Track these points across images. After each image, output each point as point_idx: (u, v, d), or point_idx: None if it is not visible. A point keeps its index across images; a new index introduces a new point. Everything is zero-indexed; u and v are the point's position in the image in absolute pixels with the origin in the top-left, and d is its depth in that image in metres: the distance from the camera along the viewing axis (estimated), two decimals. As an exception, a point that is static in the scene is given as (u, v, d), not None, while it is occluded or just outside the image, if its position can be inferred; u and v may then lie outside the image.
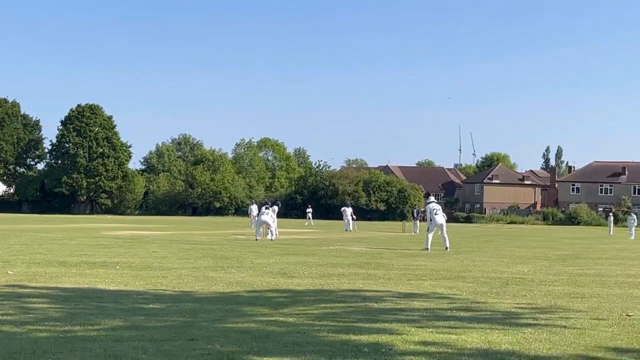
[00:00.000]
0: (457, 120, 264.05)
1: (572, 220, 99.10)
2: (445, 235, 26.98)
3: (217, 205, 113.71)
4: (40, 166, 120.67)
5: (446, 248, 26.31)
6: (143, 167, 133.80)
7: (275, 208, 35.27)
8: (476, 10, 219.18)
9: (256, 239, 31.34)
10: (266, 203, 34.39)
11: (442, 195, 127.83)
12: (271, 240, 31.23)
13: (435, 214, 27.11)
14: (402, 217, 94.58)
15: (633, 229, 49.82)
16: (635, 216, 52.85)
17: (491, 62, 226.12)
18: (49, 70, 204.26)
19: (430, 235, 26.78)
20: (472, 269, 18.37)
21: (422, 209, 78.37)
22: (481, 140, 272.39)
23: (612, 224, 61.60)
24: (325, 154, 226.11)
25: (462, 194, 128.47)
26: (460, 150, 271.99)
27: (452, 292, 12.90)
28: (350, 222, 51.06)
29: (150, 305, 10.58)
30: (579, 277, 16.42)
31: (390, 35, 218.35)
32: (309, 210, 72.00)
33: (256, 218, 38.68)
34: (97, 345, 7.49)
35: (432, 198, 29.12)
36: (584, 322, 9.66)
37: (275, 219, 34.54)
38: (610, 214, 71.93)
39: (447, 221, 28.27)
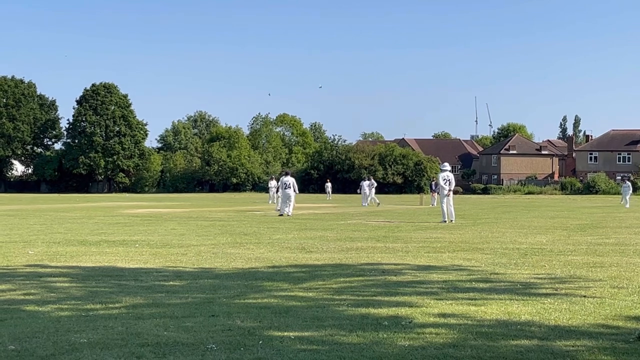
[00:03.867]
0: (473, 91, 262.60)
1: (590, 189, 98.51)
2: (451, 208, 26.62)
3: (234, 181, 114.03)
4: (58, 146, 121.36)
5: (451, 220, 26.06)
6: (159, 145, 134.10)
7: (292, 179, 33.40)
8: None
9: (281, 214, 31.23)
10: (286, 174, 33.84)
11: (459, 167, 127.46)
12: (288, 215, 31.07)
13: (444, 184, 26.78)
14: (419, 190, 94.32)
15: (628, 196, 49.25)
16: (629, 184, 52.21)
17: (506, 35, 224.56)
18: (64, 50, 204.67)
19: (444, 207, 26.55)
20: (490, 240, 18.34)
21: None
22: (497, 111, 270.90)
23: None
24: None
25: (479, 165, 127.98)
26: (476, 121, 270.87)
27: (471, 264, 12.89)
28: (367, 195, 51.08)
29: (170, 283, 10.64)
30: (598, 247, 16.36)
31: (408, 13, 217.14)
32: (328, 184, 72.26)
33: (277, 193, 38.38)
34: (118, 322, 7.55)
35: (446, 166, 28.34)
36: (604, 291, 9.65)
37: (295, 187, 33.36)
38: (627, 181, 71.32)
39: (463, 193, 27.92)
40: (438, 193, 50.30)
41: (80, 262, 13.34)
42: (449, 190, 26.77)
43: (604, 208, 43.94)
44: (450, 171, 28.25)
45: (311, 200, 57.90)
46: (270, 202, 49.78)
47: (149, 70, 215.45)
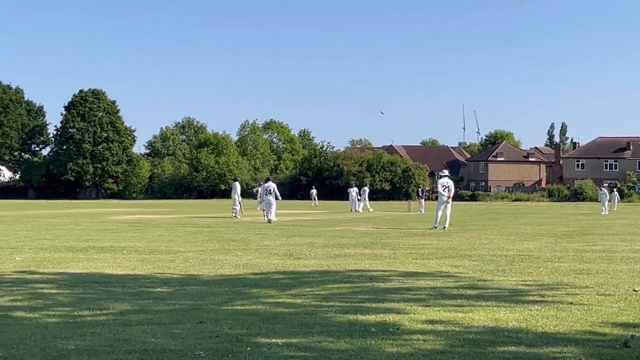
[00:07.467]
0: (461, 98, 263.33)
1: (577, 196, 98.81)
2: (447, 214, 26.60)
3: (223, 187, 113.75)
4: (45, 152, 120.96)
5: (444, 227, 25.97)
6: (147, 151, 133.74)
7: (274, 185, 33.30)
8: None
9: (268, 221, 31.04)
10: (267, 180, 33.88)
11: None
12: (269, 221, 30.90)
13: (442, 191, 26.70)
14: (407, 197, 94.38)
15: (606, 204, 48.97)
16: (606, 191, 52.05)
17: (494, 41, 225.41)
18: (52, 56, 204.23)
19: (438, 213, 26.41)
20: (477, 247, 18.38)
21: (427, 188, 78.15)
22: (485, 118, 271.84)
23: (616, 198, 61.56)
24: None
25: (467, 172, 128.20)
26: (464, 128, 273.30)
27: (458, 271, 12.92)
28: (356, 202, 51.26)
29: (158, 289, 10.62)
30: (585, 254, 16.43)
31: (397, 20, 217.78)
32: (313, 190, 72.53)
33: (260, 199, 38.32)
34: (106, 329, 7.54)
35: (445, 172, 28.49)
36: (591, 298, 9.69)
37: (277, 193, 33.07)
38: (614, 189, 71.55)
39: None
40: (425, 199, 50.29)
41: (67, 269, 13.30)
42: (448, 197, 26.69)
43: (591, 215, 44.10)
44: (449, 177, 28.03)
45: (299, 207, 57.90)
46: (257, 208, 49.51)
47: (137, 77, 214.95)
